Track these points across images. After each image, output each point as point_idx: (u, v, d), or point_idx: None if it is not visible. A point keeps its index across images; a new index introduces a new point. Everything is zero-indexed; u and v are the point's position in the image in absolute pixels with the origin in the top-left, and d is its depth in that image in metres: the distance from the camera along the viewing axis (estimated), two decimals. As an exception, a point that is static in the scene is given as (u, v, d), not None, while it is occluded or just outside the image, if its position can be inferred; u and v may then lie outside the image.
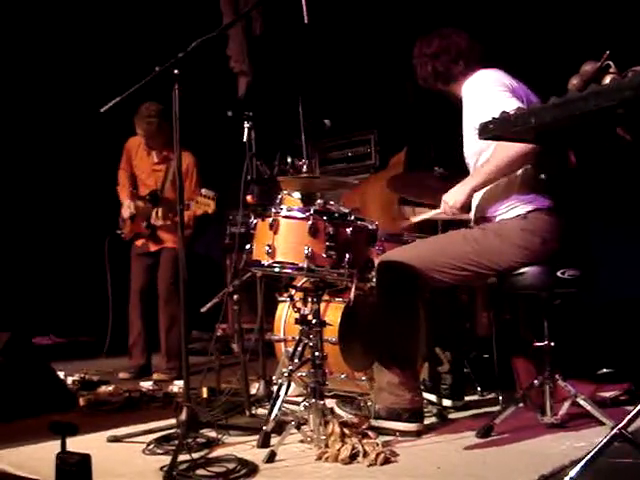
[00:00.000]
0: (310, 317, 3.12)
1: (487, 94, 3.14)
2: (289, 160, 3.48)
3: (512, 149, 2.99)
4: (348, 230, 3.01)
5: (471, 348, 4.06)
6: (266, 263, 3.00)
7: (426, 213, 3.73)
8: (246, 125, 3.77)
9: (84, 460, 2.26)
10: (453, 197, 3.25)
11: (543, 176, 3.15)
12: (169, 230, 5.33)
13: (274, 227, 3.00)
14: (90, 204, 7.15)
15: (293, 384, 3.57)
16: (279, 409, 3.11)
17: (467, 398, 3.76)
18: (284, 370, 3.31)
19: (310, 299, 3.15)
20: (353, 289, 3.10)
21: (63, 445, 2.29)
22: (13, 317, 5.72)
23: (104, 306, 5.56)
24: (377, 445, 2.79)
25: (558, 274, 3.03)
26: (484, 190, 3.25)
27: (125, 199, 5.48)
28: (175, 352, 5.15)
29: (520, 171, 3.14)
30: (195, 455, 2.77)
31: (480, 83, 3.23)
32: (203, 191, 4.93)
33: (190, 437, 2.95)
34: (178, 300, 5.04)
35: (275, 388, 3.40)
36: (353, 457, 2.73)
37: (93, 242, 5.79)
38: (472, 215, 3.37)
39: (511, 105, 2.85)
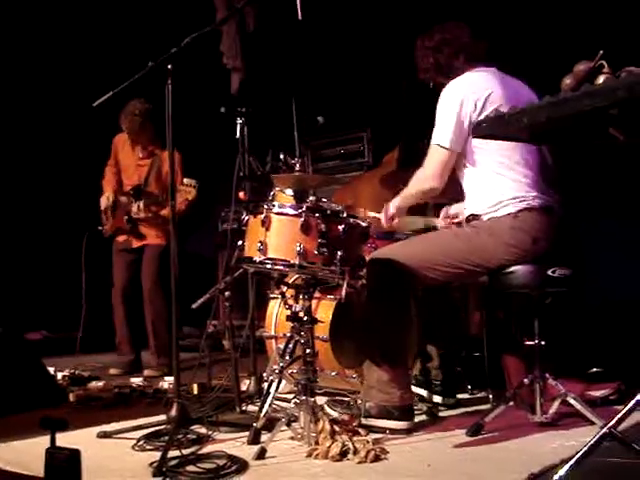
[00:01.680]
0: (301, 314, 3.12)
1: (440, 111, 3.28)
2: (282, 157, 3.48)
3: (415, 187, 3.34)
4: (340, 227, 3.01)
5: (462, 346, 4.06)
6: (258, 260, 3.00)
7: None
8: (239, 121, 3.77)
9: (74, 455, 2.25)
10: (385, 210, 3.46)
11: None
12: (151, 225, 5.32)
13: (266, 224, 3.00)
14: (83, 199, 7.12)
15: (284, 381, 3.56)
16: (269, 406, 3.11)
17: (458, 396, 3.77)
18: (275, 367, 3.31)
19: (301, 296, 3.15)
20: (345, 286, 3.09)
21: (53, 440, 2.28)
22: (4, 312, 5.69)
23: (95, 302, 5.55)
24: (367, 442, 2.79)
25: (549, 273, 3.04)
26: (475, 189, 3.26)
27: (106, 191, 5.49)
28: (164, 349, 5.14)
29: (510, 170, 3.15)
30: (185, 451, 2.78)
31: (444, 95, 3.30)
32: (185, 180, 4.90)
33: (180, 433, 2.95)
34: (163, 297, 5.13)
35: (266, 385, 3.39)
36: (343, 454, 2.73)
37: (82, 237, 5.77)
38: (464, 213, 3.37)
39: (442, 135, 3.21)
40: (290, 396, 3.41)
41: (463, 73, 3.33)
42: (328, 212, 3.02)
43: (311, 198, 3.06)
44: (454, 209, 3.54)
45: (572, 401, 2.99)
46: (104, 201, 5.45)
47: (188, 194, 4.87)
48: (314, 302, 3.49)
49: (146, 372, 5.20)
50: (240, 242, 3.15)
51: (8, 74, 6.92)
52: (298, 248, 2.92)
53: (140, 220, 5.31)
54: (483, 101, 3.17)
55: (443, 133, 3.22)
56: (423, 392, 3.67)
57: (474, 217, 3.27)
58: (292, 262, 2.94)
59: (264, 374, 3.92)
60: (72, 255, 6.22)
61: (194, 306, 4.04)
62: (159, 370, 5.12)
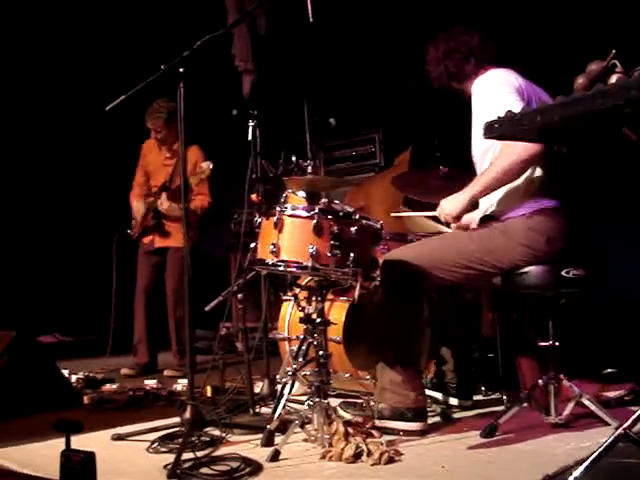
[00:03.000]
0: (314, 316, 3.12)
1: (495, 94, 3.13)
2: (294, 159, 3.48)
3: (512, 156, 2.99)
4: (353, 229, 3.01)
5: (476, 348, 4.06)
6: (270, 262, 3.00)
7: (419, 212, 3.71)
8: (251, 124, 3.77)
9: (89, 458, 2.26)
10: (450, 205, 3.24)
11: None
12: (176, 224, 5.36)
13: (279, 226, 3.00)
14: (97, 203, 7.17)
15: (297, 383, 3.56)
16: (283, 408, 3.11)
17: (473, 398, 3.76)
18: (288, 369, 3.32)
19: (314, 298, 3.15)
20: (357, 288, 3.09)
21: (67, 443, 2.29)
22: (18, 316, 5.73)
23: (108, 305, 5.59)
24: (381, 444, 2.79)
25: (563, 273, 3.03)
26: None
27: (134, 203, 5.61)
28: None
29: (525, 171, 3.14)
30: (199, 454, 2.77)
31: (489, 83, 3.22)
32: (203, 164, 5.16)
33: (194, 435, 2.95)
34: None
35: (279, 387, 3.40)
36: (357, 456, 2.72)
37: (98, 241, 5.82)
38: (479, 214, 3.36)
39: (515, 108, 2.85)
40: (303, 398, 3.40)
41: (477, 74, 3.32)
42: (340, 214, 3.02)
43: (323, 200, 3.06)
44: (466, 218, 3.45)
45: (587, 402, 2.97)
46: (138, 212, 5.57)
47: (202, 173, 5.10)
48: (327, 304, 3.50)
49: (166, 372, 5.26)
50: (253, 244, 3.15)
51: (33, 80, 6.99)
52: (311, 250, 2.92)
53: (165, 215, 5.36)
54: (524, 90, 3.16)
55: (515, 104, 2.92)
56: (439, 395, 3.66)
57: (488, 218, 3.26)
58: (305, 264, 2.94)
59: (277, 376, 3.92)
60: (86, 258, 6.28)
61: (207, 308, 4.05)
62: (179, 370, 5.15)
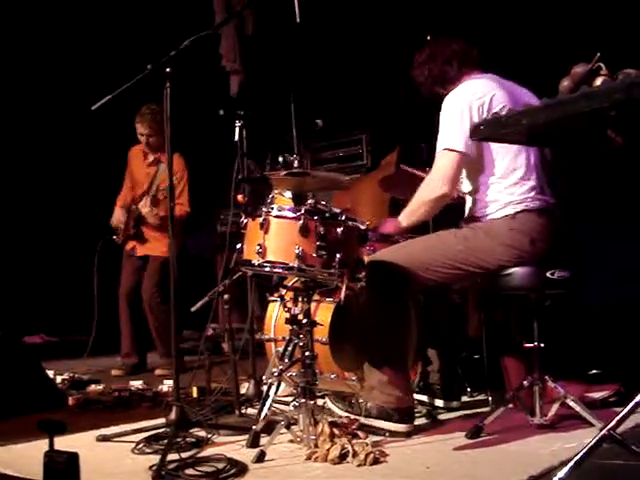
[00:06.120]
0: (300, 317, 3.12)
1: (445, 118, 3.23)
2: (280, 159, 3.48)
3: (420, 198, 3.25)
4: (339, 230, 3.01)
5: (462, 349, 4.06)
6: (257, 262, 3.00)
7: None
8: (237, 124, 3.77)
9: (72, 459, 2.25)
10: (387, 225, 3.44)
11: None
12: (156, 231, 5.37)
13: (265, 226, 3.00)
14: (83, 205, 7.15)
15: (283, 384, 3.56)
16: (269, 409, 3.11)
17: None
18: (274, 370, 3.31)
19: (300, 299, 3.15)
20: (343, 289, 3.09)
21: (51, 444, 2.28)
22: (3, 316, 5.70)
23: (93, 307, 5.59)
24: (366, 445, 2.79)
25: (547, 275, 3.04)
26: (474, 190, 3.26)
27: (115, 209, 5.64)
28: (170, 353, 5.19)
29: (510, 173, 3.16)
30: (184, 455, 2.77)
31: (447, 103, 3.27)
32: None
33: (179, 436, 2.95)
34: (163, 305, 5.18)
35: (265, 388, 3.39)
36: (342, 457, 2.72)
37: (85, 242, 5.80)
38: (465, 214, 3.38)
39: (452, 139, 3.13)
40: (289, 399, 3.40)
41: (459, 80, 3.35)
42: (327, 215, 3.03)
43: (310, 201, 3.06)
44: None
45: (572, 403, 2.99)
46: (114, 222, 5.59)
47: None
48: (313, 305, 3.48)
49: (157, 371, 5.30)
50: (239, 245, 3.15)
51: (15, 83, 6.95)
52: (297, 251, 2.92)
53: (144, 222, 5.39)
54: (488, 103, 3.16)
55: (453, 137, 3.16)
56: (424, 398, 3.66)
57: (473, 218, 3.27)
58: (291, 265, 2.94)
59: (263, 377, 3.91)
60: (72, 259, 6.24)
61: (193, 309, 4.04)
62: (169, 369, 5.15)
